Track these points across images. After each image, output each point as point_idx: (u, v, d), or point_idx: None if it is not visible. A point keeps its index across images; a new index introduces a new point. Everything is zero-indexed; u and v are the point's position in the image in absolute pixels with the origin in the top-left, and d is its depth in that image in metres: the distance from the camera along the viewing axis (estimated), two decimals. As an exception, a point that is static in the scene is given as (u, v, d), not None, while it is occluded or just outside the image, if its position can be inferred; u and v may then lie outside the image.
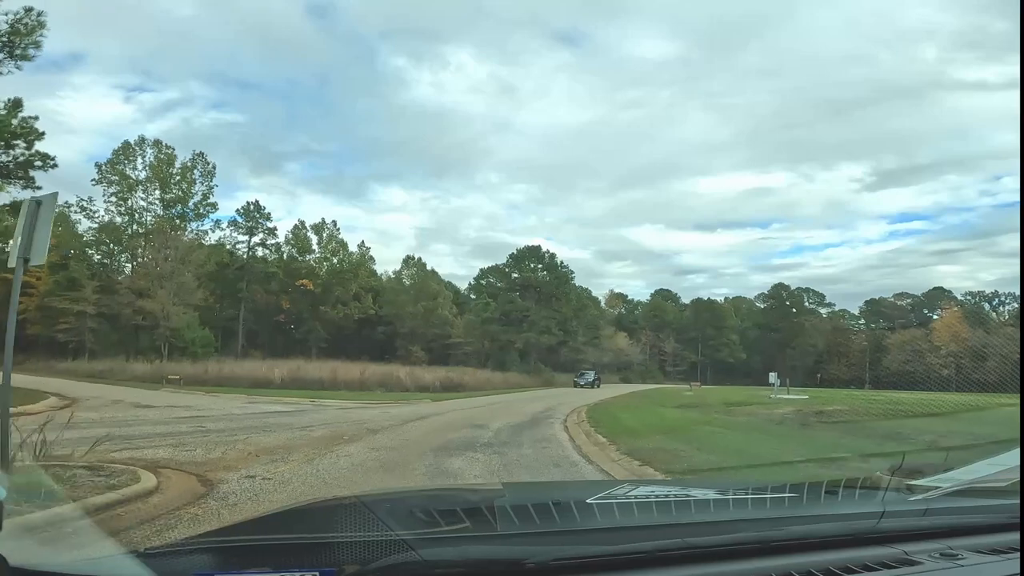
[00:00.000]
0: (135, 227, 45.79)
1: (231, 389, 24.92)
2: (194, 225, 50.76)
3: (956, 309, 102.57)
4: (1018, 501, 1.71)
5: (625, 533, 1.46)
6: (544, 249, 58.42)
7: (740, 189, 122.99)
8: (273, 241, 62.06)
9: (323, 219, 68.91)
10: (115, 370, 29.73)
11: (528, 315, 55.28)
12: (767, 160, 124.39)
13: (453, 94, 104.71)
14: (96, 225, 44.93)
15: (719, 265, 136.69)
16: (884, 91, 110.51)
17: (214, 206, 49.61)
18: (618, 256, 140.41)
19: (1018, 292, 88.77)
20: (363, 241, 70.89)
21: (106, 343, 37.76)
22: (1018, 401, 8.74)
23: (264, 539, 1.35)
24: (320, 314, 62.57)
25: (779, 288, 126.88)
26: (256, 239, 60.65)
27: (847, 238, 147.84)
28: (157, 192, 46.14)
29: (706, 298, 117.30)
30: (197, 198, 47.89)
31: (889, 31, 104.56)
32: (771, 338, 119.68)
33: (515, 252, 58.73)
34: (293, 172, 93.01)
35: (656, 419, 18.47)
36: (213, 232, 55.78)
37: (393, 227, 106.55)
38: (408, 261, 74.81)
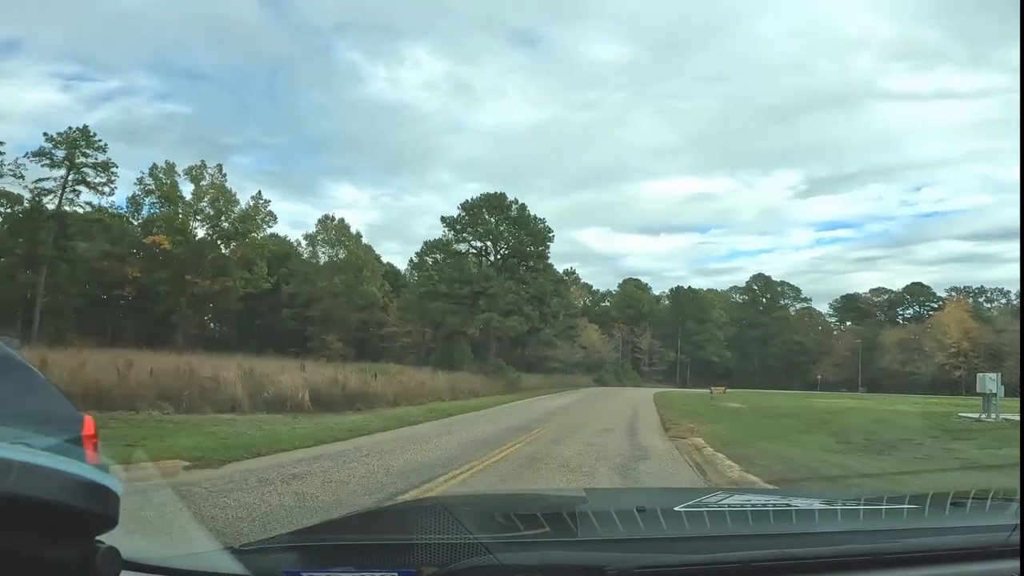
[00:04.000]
0: None
1: None
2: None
3: (964, 303, 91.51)
4: None
5: (715, 542, 1.38)
6: (511, 198, 41.56)
7: (684, 194, 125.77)
8: (102, 179, 41.98)
9: (202, 161, 49.49)
10: None
11: (487, 288, 38.23)
12: (710, 165, 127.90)
13: (408, 90, 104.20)
14: None
15: (660, 268, 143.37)
16: (820, 100, 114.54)
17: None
18: (566, 258, 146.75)
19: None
20: (260, 192, 51.80)
21: None
22: None
23: (347, 539, 1.41)
24: (187, 287, 43.51)
25: (758, 279, 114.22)
26: (76, 176, 40.54)
27: (779, 244, 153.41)
28: None
29: (686, 287, 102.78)
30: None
31: (828, 40, 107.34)
32: (749, 335, 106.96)
33: (469, 201, 41.63)
34: (240, 165, 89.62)
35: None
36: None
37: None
38: (326, 223, 56.31)
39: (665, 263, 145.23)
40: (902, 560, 1.32)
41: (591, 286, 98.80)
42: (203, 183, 49.80)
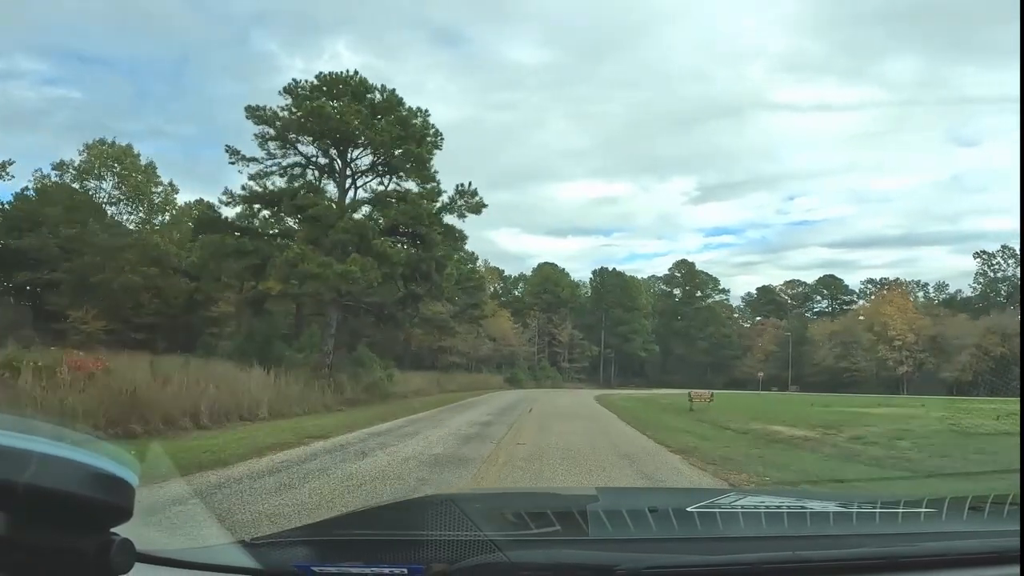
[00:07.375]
0: None
1: None
2: None
3: (904, 292, 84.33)
4: None
5: (727, 544, 1.38)
6: (378, 83, 24.47)
7: (591, 197, 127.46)
8: None
9: None
10: None
11: (306, 206, 21.07)
12: (616, 169, 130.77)
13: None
14: None
15: (567, 269, 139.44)
16: (716, 108, 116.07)
17: None
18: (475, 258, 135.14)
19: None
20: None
21: None
22: None
23: (357, 534, 1.41)
24: None
25: (681, 266, 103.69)
26: None
27: (672, 248, 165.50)
28: None
29: (611, 268, 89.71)
30: None
31: (727, 50, 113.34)
32: (673, 326, 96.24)
33: (298, 84, 24.13)
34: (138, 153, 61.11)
35: None
36: None
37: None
38: (99, 150, 36.50)
39: (571, 264, 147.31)
40: (917, 564, 1.29)
41: (502, 270, 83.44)
42: None
